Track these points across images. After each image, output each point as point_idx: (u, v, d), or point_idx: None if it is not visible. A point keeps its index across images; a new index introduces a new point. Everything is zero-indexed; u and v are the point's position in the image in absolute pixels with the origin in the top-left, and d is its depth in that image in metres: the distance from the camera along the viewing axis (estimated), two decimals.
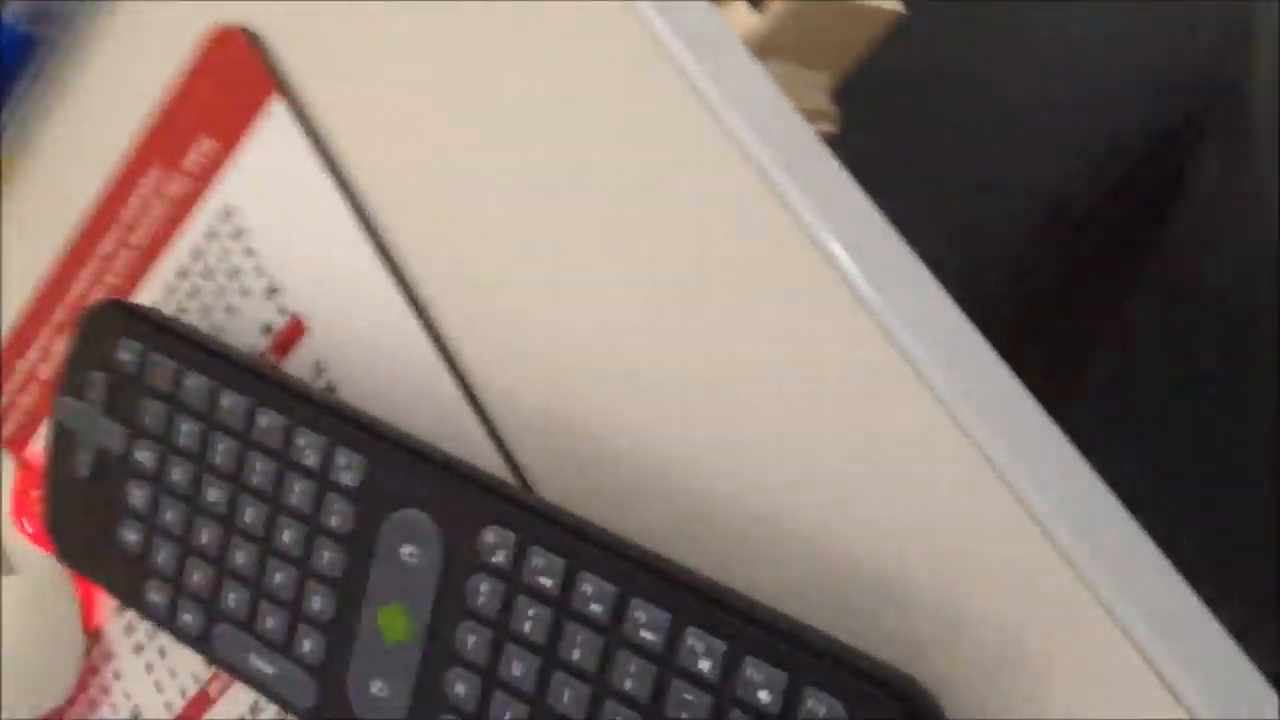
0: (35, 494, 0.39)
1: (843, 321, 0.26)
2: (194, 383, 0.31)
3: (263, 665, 0.31)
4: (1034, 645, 0.24)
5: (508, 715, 0.27)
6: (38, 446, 0.41)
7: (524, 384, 0.30)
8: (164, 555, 0.32)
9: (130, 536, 0.33)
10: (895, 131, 0.55)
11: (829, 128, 0.51)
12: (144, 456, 0.32)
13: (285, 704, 0.30)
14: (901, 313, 0.25)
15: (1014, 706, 0.24)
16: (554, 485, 0.30)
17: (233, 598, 0.31)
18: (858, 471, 0.26)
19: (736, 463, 0.27)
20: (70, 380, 0.34)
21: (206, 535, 0.31)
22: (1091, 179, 0.55)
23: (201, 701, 0.37)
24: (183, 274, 0.36)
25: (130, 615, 0.38)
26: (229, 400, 0.31)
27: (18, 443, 0.41)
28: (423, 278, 0.32)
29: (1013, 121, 0.55)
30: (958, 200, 0.54)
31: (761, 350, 0.27)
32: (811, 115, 0.50)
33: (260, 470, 0.30)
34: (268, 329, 0.34)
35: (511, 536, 0.27)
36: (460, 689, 0.27)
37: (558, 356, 0.30)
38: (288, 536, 0.30)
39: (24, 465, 0.40)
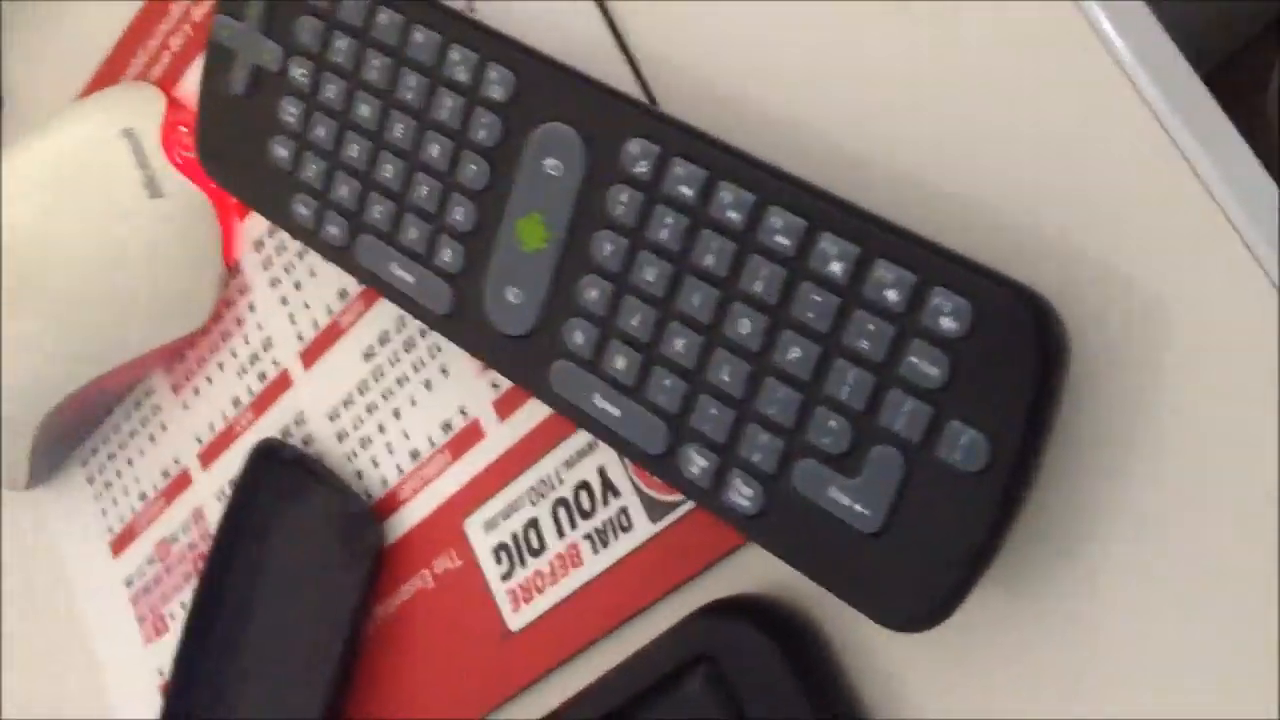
0: (184, 129, 0.41)
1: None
2: (351, 1, 0.32)
3: (402, 274, 0.32)
4: (1161, 279, 0.24)
5: (636, 318, 0.28)
6: (187, 86, 0.42)
7: (671, 26, 0.31)
8: (313, 169, 0.34)
9: (281, 151, 0.34)
10: None
11: None
12: (299, 73, 0.34)
13: (423, 312, 0.32)
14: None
15: (1129, 333, 0.25)
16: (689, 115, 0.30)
17: (378, 210, 0.32)
18: (999, 111, 0.26)
19: (883, 104, 0.28)
20: (228, 0, 0.35)
21: (356, 150, 0.33)
22: None
23: (333, 331, 0.39)
24: None
25: (268, 250, 0.40)
26: (386, 17, 0.32)
27: (168, 80, 0.43)
28: None
29: None
30: None
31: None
32: None
33: (412, 86, 0.31)
34: None
35: (654, 148, 0.28)
36: (593, 293, 0.29)
37: (711, 3, 0.30)
38: (434, 150, 0.31)
39: (173, 101, 0.42)
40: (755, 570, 0.30)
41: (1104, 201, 0.25)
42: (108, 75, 0.45)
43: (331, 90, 0.33)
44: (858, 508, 0.25)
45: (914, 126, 0.27)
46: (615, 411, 0.29)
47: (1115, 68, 0.25)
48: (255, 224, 0.41)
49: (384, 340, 0.38)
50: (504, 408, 0.35)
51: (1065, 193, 0.25)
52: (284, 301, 0.40)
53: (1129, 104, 0.25)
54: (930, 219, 0.27)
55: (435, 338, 0.36)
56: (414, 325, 0.37)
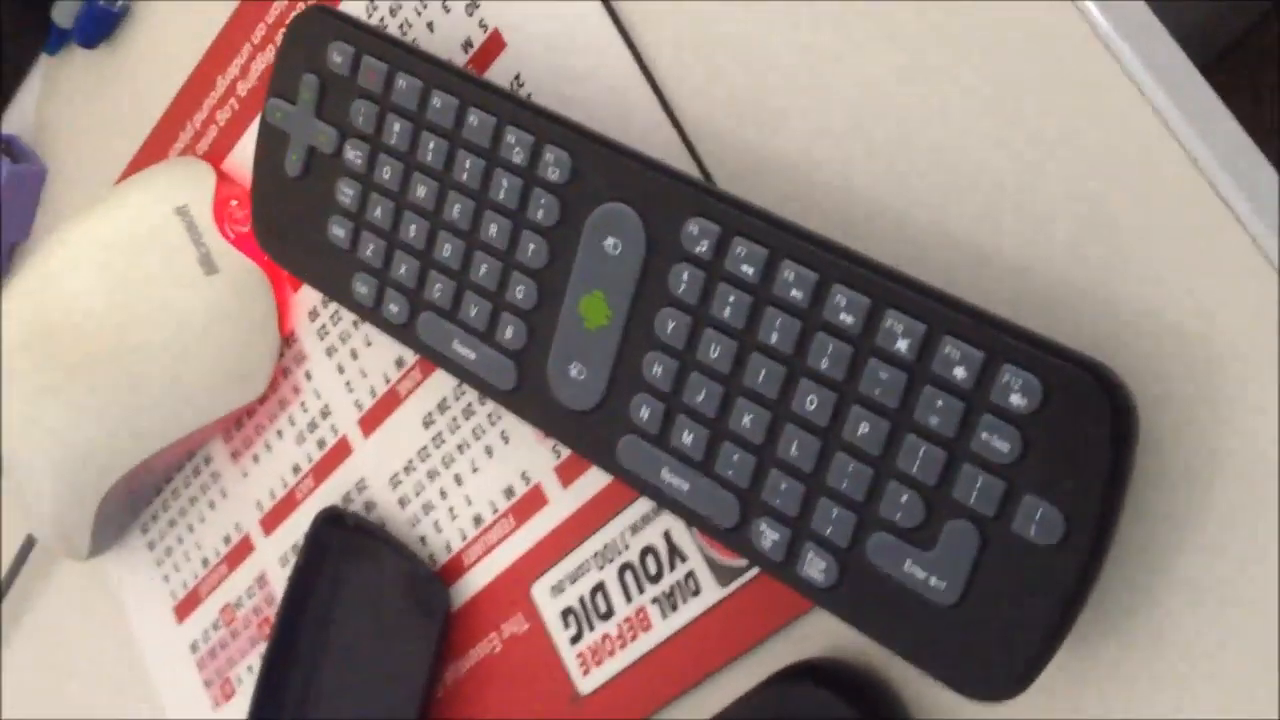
0: (235, 203, 0.42)
1: (1045, 22, 0.26)
2: (406, 83, 0.33)
3: (465, 351, 0.33)
4: (1221, 346, 0.25)
5: (702, 394, 0.29)
6: (235, 159, 0.43)
7: (721, 100, 0.31)
8: (372, 249, 0.34)
9: (339, 231, 0.35)
10: None
11: None
12: (354, 155, 0.34)
13: (486, 387, 0.33)
14: (1110, 19, 0.26)
15: (1198, 401, 0.25)
16: (742, 191, 0.31)
17: (438, 288, 0.33)
18: (1051, 170, 0.27)
19: (924, 168, 0.28)
20: (280, 83, 0.36)
21: (414, 230, 0.33)
22: None
23: (391, 399, 0.39)
24: None
25: (323, 320, 0.41)
26: (440, 100, 0.32)
27: (216, 154, 0.43)
28: None
29: None
30: None
31: (956, 58, 0.28)
32: None
33: (468, 167, 0.32)
34: (468, 44, 0.36)
35: (715, 227, 0.28)
36: (657, 370, 0.29)
37: (758, 73, 0.31)
38: (493, 230, 0.32)
39: (223, 175, 0.43)
40: (825, 632, 0.30)
41: (1161, 267, 0.25)
42: (155, 148, 0.46)
43: (388, 171, 0.34)
44: (933, 580, 0.26)
45: (966, 195, 0.28)
46: (685, 486, 0.29)
47: (1169, 138, 0.25)
48: (309, 293, 0.41)
49: (443, 407, 0.38)
50: (566, 473, 0.35)
51: (1125, 261, 0.26)
52: (340, 370, 0.41)
53: (1180, 167, 0.25)
54: (985, 286, 0.27)
55: (494, 405, 0.37)
56: (472, 392, 0.37)
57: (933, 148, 0.28)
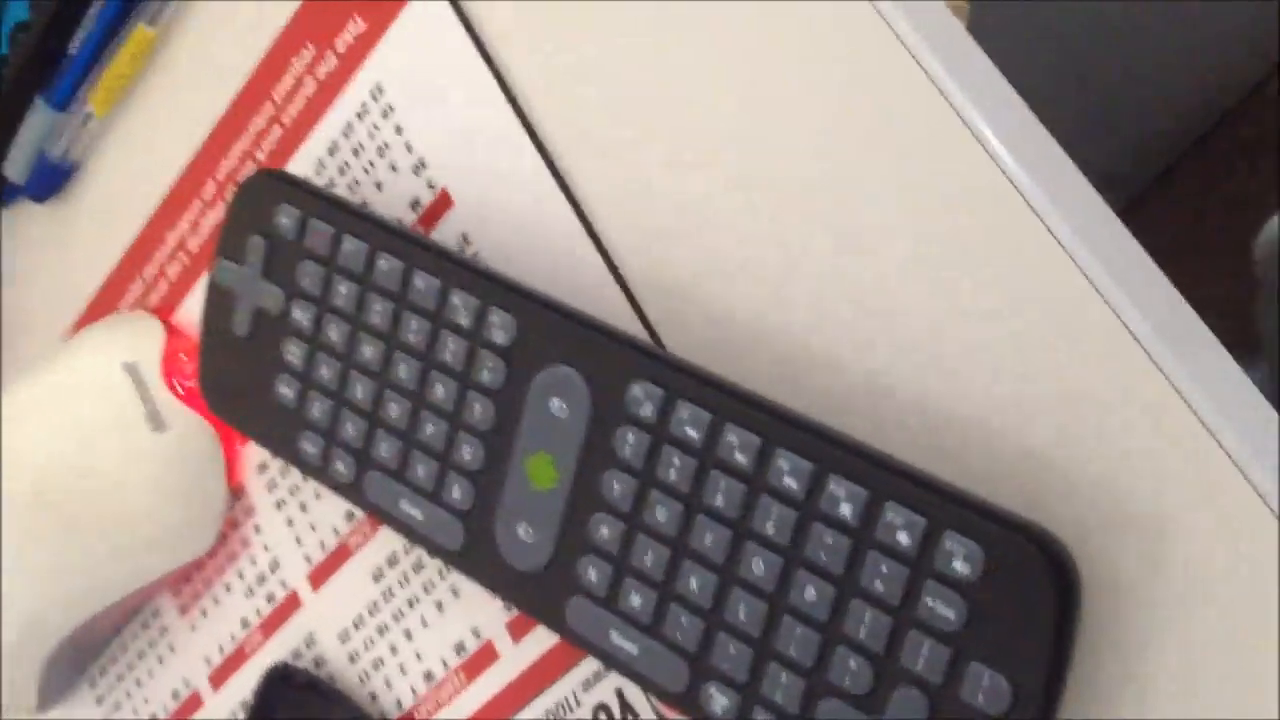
0: (184, 356, 0.42)
1: (983, 193, 0.27)
2: (351, 246, 0.33)
3: (413, 510, 0.33)
4: (1161, 508, 0.25)
5: (649, 556, 0.28)
6: (185, 313, 0.43)
7: (664, 257, 0.32)
8: (319, 409, 0.34)
9: (286, 391, 0.35)
10: None
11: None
12: (301, 316, 0.35)
13: (433, 547, 0.32)
14: (1047, 192, 0.26)
15: (1136, 564, 0.25)
16: (690, 352, 0.31)
17: (385, 447, 0.33)
18: (991, 334, 0.27)
19: (869, 332, 0.29)
20: (228, 244, 0.36)
21: (361, 390, 0.33)
22: None
23: (341, 553, 0.39)
24: (333, 150, 0.38)
25: (272, 473, 0.41)
26: (386, 263, 0.33)
27: (165, 308, 0.43)
28: (566, 151, 0.33)
29: None
30: None
31: (900, 219, 0.28)
32: None
33: (414, 329, 0.32)
34: (415, 203, 0.36)
35: (658, 391, 0.28)
36: (604, 532, 0.29)
37: (699, 230, 0.31)
38: (440, 391, 0.32)
39: (172, 330, 0.43)
40: None
41: (1099, 429, 0.26)
42: (106, 301, 0.46)
43: (334, 332, 0.34)
44: None
45: (914, 355, 0.28)
46: (633, 649, 0.29)
47: (1100, 302, 0.26)
48: (258, 447, 0.41)
49: (393, 562, 0.38)
50: (518, 629, 0.35)
51: (1060, 419, 0.26)
52: (290, 523, 0.41)
53: (1116, 334, 0.25)
54: (937, 447, 0.27)
55: None
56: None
57: (884, 311, 0.29)
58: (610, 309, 0.32)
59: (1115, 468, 0.25)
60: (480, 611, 0.36)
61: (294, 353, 0.35)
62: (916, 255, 0.28)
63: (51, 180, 0.46)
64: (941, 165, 0.27)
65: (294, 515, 0.40)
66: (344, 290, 0.34)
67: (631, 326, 0.32)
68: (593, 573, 0.29)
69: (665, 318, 0.32)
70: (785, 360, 0.30)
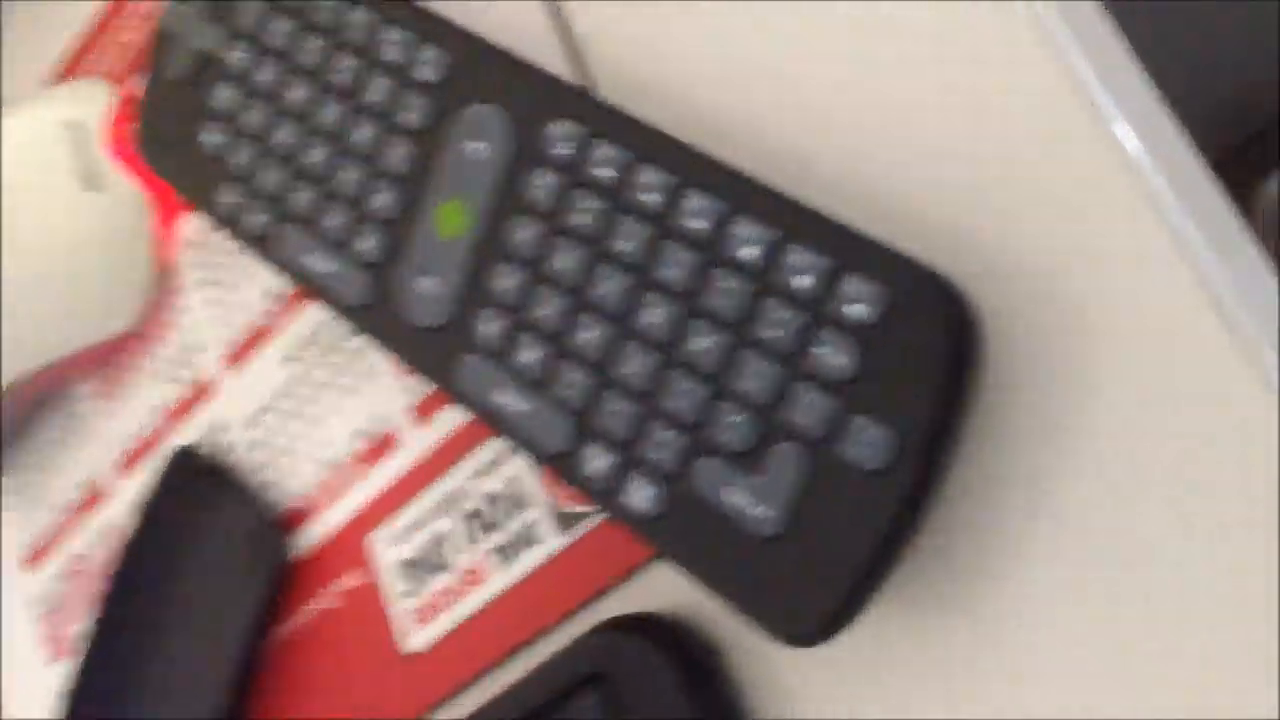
0: (129, 124, 0.40)
1: None
2: None
3: (320, 264, 0.31)
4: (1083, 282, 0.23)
5: (548, 308, 0.27)
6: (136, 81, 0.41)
7: (616, 18, 0.30)
8: (242, 156, 0.33)
9: (211, 138, 0.33)
10: None
11: None
12: (236, 58, 0.33)
13: (337, 302, 0.31)
14: None
15: (1051, 341, 0.23)
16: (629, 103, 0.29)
17: (302, 198, 0.31)
18: (931, 86, 0.25)
19: (807, 89, 0.27)
20: None
21: (284, 135, 0.32)
22: None
23: (259, 336, 0.37)
24: None
25: (204, 251, 0.39)
26: None
27: (124, 77, 0.42)
28: None
29: None
30: None
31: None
32: None
33: (344, 68, 0.31)
34: None
35: (580, 129, 0.27)
36: (506, 282, 0.27)
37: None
38: (363, 135, 0.30)
39: (127, 97, 0.41)
40: (667, 588, 0.28)
41: (1037, 202, 0.24)
42: (67, 74, 0.44)
43: (267, 73, 0.32)
44: (758, 510, 0.23)
45: (853, 116, 0.26)
46: (521, 407, 0.27)
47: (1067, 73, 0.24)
48: (190, 226, 0.40)
49: (307, 345, 0.36)
50: (419, 415, 0.33)
51: (996, 183, 0.24)
52: (214, 303, 0.39)
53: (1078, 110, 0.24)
54: (863, 213, 0.25)
55: (359, 343, 0.35)
56: (338, 330, 0.35)
57: (833, 83, 0.27)
58: (556, 68, 0.30)
59: (1044, 239, 0.24)
60: (386, 398, 0.34)
61: (224, 96, 0.33)
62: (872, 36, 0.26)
63: None
64: None
65: (219, 296, 0.39)
66: (281, 27, 0.32)
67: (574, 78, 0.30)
68: (489, 327, 0.28)
69: (613, 81, 0.30)
70: (731, 127, 0.28)
